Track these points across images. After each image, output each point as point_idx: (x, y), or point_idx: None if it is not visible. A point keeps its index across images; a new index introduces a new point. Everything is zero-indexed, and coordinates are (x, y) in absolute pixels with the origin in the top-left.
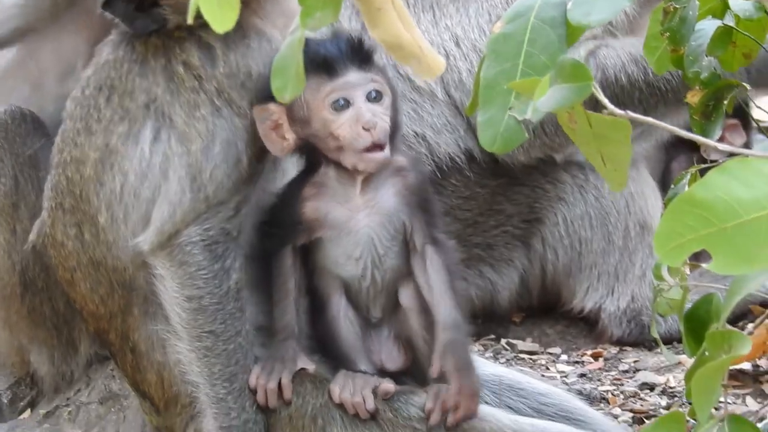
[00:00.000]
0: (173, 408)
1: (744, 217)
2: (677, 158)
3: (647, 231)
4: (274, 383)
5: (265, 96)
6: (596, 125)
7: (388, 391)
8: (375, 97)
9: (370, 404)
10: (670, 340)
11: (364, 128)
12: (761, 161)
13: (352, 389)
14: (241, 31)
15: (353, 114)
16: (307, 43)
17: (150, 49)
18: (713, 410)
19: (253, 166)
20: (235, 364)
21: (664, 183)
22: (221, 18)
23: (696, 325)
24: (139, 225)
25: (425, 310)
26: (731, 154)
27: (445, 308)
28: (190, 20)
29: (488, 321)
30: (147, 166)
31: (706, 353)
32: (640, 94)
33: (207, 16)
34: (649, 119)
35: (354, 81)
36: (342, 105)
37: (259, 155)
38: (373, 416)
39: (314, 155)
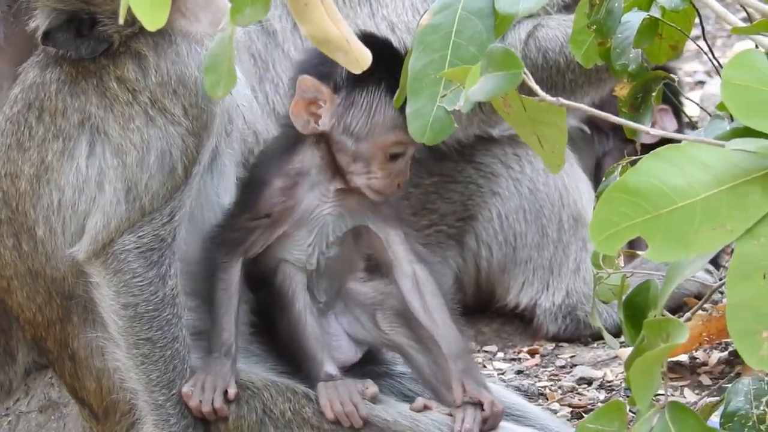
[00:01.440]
0: (113, 415)
1: (678, 203)
2: (608, 153)
3: (581, 224)
4: (208, 406)
5: (319, 73)
6: (531, 109)
7: (374, 394)
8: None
9: (363, 410)
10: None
11: (398, 184)
12: (694, 147)
13: (341, 400)
14: (169, 37)
15: (400, 168)
16: None
17: (80, 69)
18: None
19: (188, 173)
20: (173, 370)
21: (596, 178)
22: (153, 16)
23: (635, 312)
24: (76, 236)
25: (374, 305)
26: (663, 141)
27: (451, 336)
28: (121, 21)
29: None
30: (83, 181)
31: (645, 341)
32: (572, 74)
33: (139, 15)
34: (582, 106)
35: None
36: (398, 155)
37: (193, 161)
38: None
39: (305, 143)
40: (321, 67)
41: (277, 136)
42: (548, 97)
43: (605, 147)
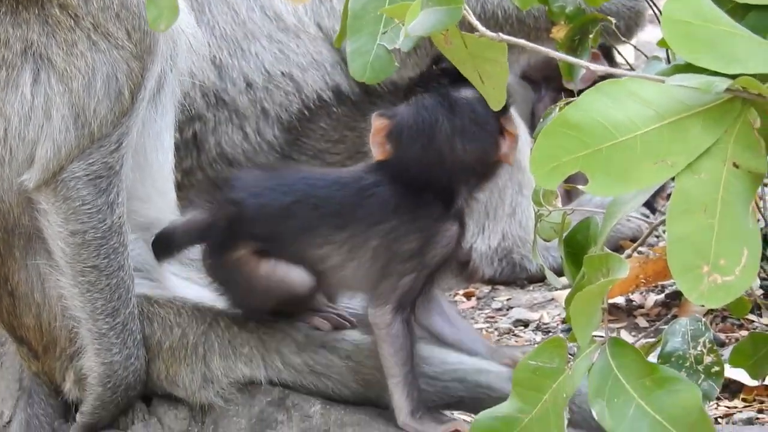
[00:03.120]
0: (52, 351)
1: (618, 138)
2: (543, 99)
3: (516, 168)
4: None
5: None
6: (472, 45)
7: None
8: None
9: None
10: (542, 278)
11: None
12: (634, 82)
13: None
14: None
15: None
16: None
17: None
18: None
19: (134, 98)
20: (118, 299)
21: (532, 124)
22: (161, 21)
23: (575, 249)
24: (24, 165)
25: None
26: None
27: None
28: None
29: None
30: (30, 109)
31: (585, 278)
32: (510, 28)
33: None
34: (522, 41)
35: None
36: None
37: (139, 86)
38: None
39: None
40: None
41: None
42: (489, 33)
43: (539, 93)
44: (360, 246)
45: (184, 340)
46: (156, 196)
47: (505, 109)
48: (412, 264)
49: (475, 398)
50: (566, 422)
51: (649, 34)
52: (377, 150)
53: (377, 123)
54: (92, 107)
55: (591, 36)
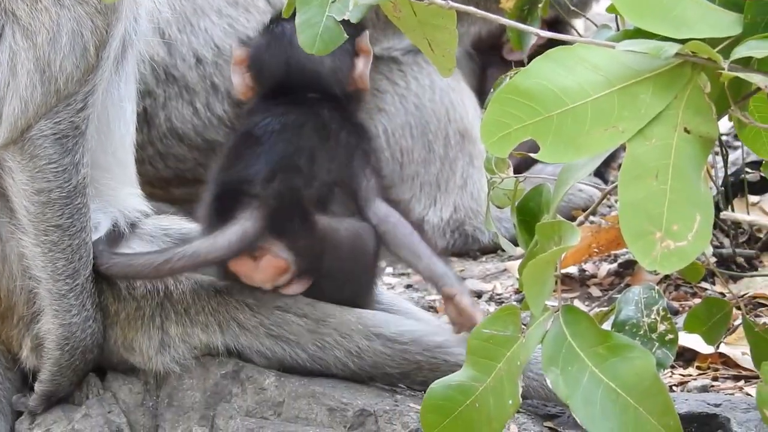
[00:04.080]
0: (10, 319)
1: (569, 104)
2: (490, 69)
3: (467, 140)
4: None
5: None
6: (421, 13)
7: None
8: None
9: None
10: (494, 249)
11: None
12: (584, 49)
13: None
14: None
15: None
16: None
17: None
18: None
19: (99, 55)
20: (79, 260)
21: (480, 95)
22: None
23: (528, 217)
24: None
25: None
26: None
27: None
28: None
29: None
30: None
31: (538, 246)
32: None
33: None
34: (470, 8)
35: None
36: None
37: (103, 43)
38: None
39: None
40: None
41: None
42: (438, 0)
43: (487, 63)
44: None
45: (140, 311)
46: (116, 167)
47: (360, 29)
48: (363, 159)
49: (433, 364)
50: (520, 390)
51: (601, 7)
52: (238, 80)
53: (237, 53)
54: (58, 63)
55: (540, 6)
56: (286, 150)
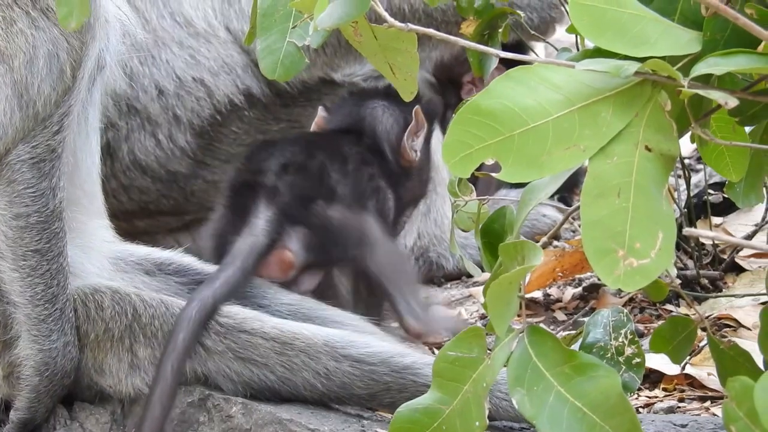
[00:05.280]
0: None
1: (530, 124)
2: (453, 103)
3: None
4: None
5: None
6: (381, 37)
7: None
8: None
9: None
10: (458, 276)
11: None
12: (544, 68)
13: None
14: None
15: None
16: None
17: None
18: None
19: (75, 76)
20: (57, 285)
21: (443, 127)
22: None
23: (492, 239)
24: None
25: None
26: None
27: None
28: None
29: None
30: None
31: (502, 266)
32: (418, 22)
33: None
34: (430, 30)
35: None
36: None
37: (79, 62)
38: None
39: None
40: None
41: None
42: (397, 23)
43: (449, 99)
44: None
45: (108, 333)
46: (84, 199)
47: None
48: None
49: (401, 385)
50: (487, 411)
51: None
52: None
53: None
54: (36, 86)
55: (500, 30)
56: (301, 151)
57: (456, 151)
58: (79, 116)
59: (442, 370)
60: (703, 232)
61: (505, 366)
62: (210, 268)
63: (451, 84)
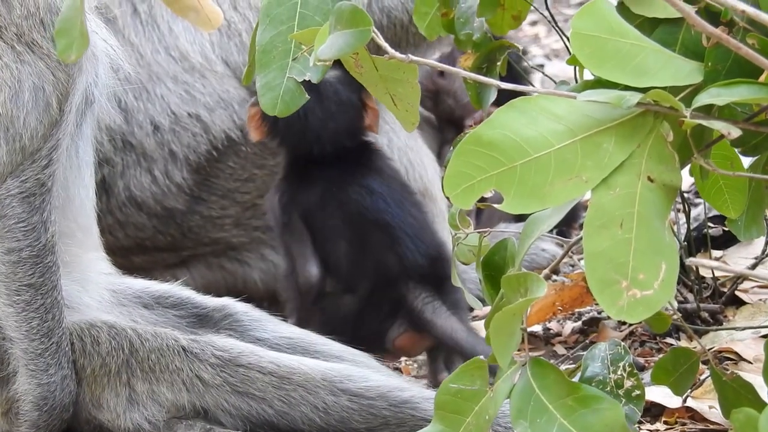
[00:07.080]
0: None
1: (532, 154)
2: (450, 139)
3: (428, 198)
4: None
5: None
6: (382, 68)
7: None
8: None
9: None
10: None
11: None
12: (546, 99)
13: None
14: None
15: None
16: None
17: None
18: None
19: (62, 109)
20: (52, 318)
21: (439, 156)
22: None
23: (493, 271)
24: None
25: None
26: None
27: None
28: None
29: (273, 304)
30: None
31: (504, 299)
32: (415, 29)
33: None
34: (431, 62)
35: None
36: None
37: (66, 95)
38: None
39: None
40: None
41: None
42: (398, 55)
43: (447, 132)
44: None
45: (105, 368)
46: (78, 232)
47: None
48: None
49: (400, 419)
50: None
51: (554, 67)
52: (254, 132)
53: (251, 111)
54: (22, 119)
55: (499, 63)
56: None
57: (458, 183)
58: (69, 150)
59: (444, 402)
60: (706, 261)
61: (507, 398)
62: (211, 301)
63: (452, 124)
